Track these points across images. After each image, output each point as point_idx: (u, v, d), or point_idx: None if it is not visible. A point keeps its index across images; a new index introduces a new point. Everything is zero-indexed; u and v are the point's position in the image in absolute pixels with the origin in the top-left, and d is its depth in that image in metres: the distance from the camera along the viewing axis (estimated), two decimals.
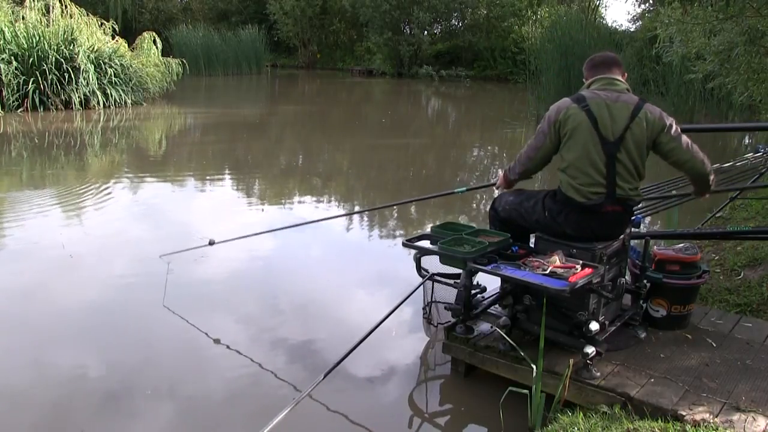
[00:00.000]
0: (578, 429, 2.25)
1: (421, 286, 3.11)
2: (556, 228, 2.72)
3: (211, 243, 4.21)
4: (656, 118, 2.65)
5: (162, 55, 14.66)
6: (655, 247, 3.10)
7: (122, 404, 2.75)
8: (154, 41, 14.53)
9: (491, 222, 3.04)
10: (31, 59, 11.57)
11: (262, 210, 4.39)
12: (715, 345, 2.80)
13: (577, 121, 2.60)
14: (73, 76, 11.80)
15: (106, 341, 3.33)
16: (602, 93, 2.65)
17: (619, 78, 2.73)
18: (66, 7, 12.69)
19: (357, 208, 6.33)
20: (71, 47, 12.05)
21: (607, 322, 2.69)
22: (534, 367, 2.43)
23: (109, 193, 6.54)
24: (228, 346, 3.29)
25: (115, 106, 12.59)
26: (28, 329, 3.44)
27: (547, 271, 2.46)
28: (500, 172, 3.02)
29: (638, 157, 2.66)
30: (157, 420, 2.66)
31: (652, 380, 2.49)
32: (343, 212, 6.16)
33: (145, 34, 14.75)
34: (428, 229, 3.19)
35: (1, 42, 11.37)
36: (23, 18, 12.08)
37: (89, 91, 12.03)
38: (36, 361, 3.10)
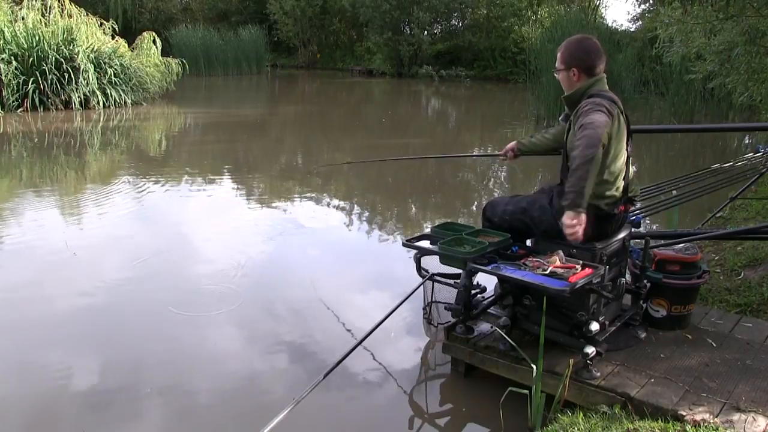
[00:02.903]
0: (578, 429, 2.25)
1: (421, 286, 3.11)
2: None
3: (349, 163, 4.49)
4: None
5: (162, 55, 14.65)
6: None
7: (121, 404, 2.75)
8: (154, 41, 14.52)
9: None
10: (31, 59, 11.58)
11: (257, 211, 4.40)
12: (715, 345, 2.80)
13: (621, 126, 2.54)
14: (72, 76, 11.81)
15: (104, 340, 3.33)
16: (611, 93, 2.62)
17: None
18: (65, 7, 12.68)
19: (356, 207, 6.32)
20: (71, 47, 12.05)
21: (607, 322, 2.69)
22: (534, 367, 2.43)
23: (109, 193, 6.54)
24: (227, 347, 3.29)
25: (115, 106, 12.59)
26: (24, 328, 3.45)
27: (547, 272, 2.46)
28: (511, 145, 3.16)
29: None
30: (155, 420, 2.66)
31: (652, 380, 2.49)
32: (348, 203, 6.18)
33: (144, 34, 14.73)
34: (428, 230, 3.18)
35: (1, 42, 11.38)
36: (23, 18, 12.08)
37: (89, 91, 12.03)
38: (29, 361, 3.10)
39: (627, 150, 2.63)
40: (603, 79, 2.66)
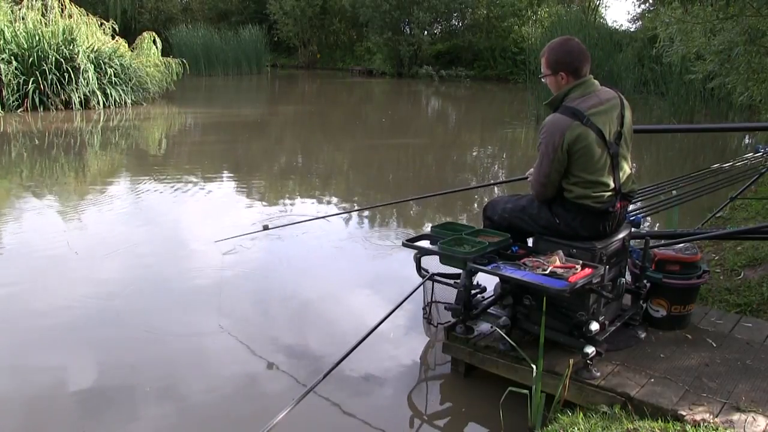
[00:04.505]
0: (578, 429, 2.25)
1: (421, 286, 3.10)
2: (568, 231, 2.68)
3: (266, 228, 4.42)
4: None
5: (162, 55, 14.63)
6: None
7: (120, 404, 2.75)
8: (154, 41, 14.51)
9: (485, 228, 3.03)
10: (31, 59, 11.58)
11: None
12: (715, 345, 2.80)
13: (587, 139, 2.52)
14: (73, 76, 11.80)
15: (103, 340, 3.33)
16: (592, 101, 2.58)
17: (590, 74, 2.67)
18: (65, 7, 12.68)
19: (356, 206, 6.31)
20: (71, 47, 12.05)
21: (607, 322, 2.69)
22: (534, 367, 2.43)
23: (109, 193, 6.55)
24: (227, 347, 3.29)
25: (115, 106, 12.58)
26: (22, 328, 3.45)
27: (547, 271, 2.46)
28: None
29: (630, 142, 2.72)
30: (155, 421, 2.66)
31: (652, 380, 2.49)
32: (348, 203, 6.17)
33: (144, 34, 14.73)
34: (428, 229, 3.19)
35: (1, 42, 11.38)
36: (23, 18, 12.08)
37: (89, 91, 12.03)
38: (26, 361, 3.10)
39: (612, 148, 2.58)
40: (587, 82, 2.63)
